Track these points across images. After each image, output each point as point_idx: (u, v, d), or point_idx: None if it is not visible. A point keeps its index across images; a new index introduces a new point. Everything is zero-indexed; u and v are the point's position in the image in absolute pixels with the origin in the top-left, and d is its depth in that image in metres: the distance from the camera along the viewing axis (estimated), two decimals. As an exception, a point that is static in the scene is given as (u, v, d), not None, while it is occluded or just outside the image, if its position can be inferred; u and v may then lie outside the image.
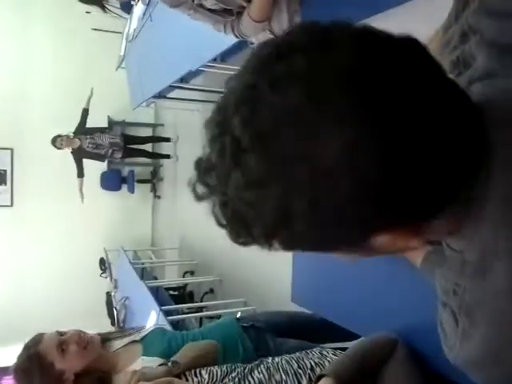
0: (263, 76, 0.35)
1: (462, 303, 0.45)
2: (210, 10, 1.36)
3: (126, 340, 1.40)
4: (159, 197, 6.65)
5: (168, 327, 2.27)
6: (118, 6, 4.97)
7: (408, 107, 0.34)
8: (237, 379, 1.11)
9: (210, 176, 0.38)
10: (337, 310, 1.18)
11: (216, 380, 1.10)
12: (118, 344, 1.39)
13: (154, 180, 6.60)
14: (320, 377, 0.89)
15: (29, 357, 1.24)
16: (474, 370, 0.47)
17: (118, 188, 6.28)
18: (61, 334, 1.30)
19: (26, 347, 1.27)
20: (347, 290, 1.16)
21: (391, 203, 0.36)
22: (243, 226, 0.38)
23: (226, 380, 1.10)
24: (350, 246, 0.42)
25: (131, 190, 6.29)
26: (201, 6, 1.34)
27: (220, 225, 0.39)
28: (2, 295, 5.51)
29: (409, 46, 0.37)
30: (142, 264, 4.95)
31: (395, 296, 1.00)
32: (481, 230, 0.42)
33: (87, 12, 5.78)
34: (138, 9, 3.90)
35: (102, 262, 5.38)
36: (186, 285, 4.65)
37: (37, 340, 1.28)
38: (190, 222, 5.48)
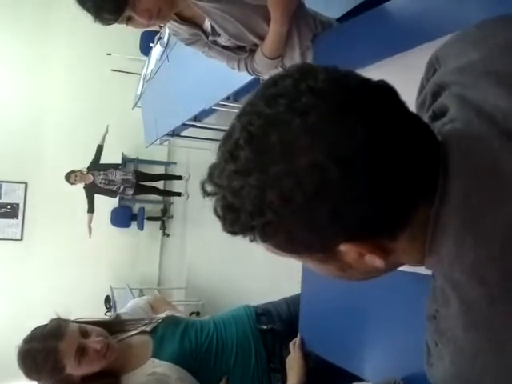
0: (261, 95, 0.44)
1: (437, 328, 0.48)
2: (223, 47, 1.39)
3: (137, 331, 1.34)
4: (168, 235, 6.62)
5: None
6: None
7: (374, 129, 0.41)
8: None
9: (213, 176, 0.45)
10: (345, 353, 1.12)
11: None
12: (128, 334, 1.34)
13: (163, 217, 6.60)
14: None
15: (46, 351, 1.16)
16: None
17: (127, 225, 6.28)
18: (84, 332, 1.23)
19: (47, 335, 1.19)
20: (355, 334, 1.10)
21: (348, 210, 0.41)
22: (232, 212, 0.43)
23: None
24: (317, 251, 0.46)
25: (140, 227, 6.28)
26: (215, 42, 1.37)
27: (217, 216, 0.45)
28: (6, 329, 5.41)
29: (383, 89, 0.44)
30: (148, 303, 4.82)
31: (399, 339, 0.95)
32: (441, 260, 0.45)
33: (108, 54, 6.05)
34: (156, 51, 4.04)
35: (108, 299, 5.29)
36: (191, 326, 4.53)
37: (59, 333, 1.19)
38: (197, 262, 5.42)
